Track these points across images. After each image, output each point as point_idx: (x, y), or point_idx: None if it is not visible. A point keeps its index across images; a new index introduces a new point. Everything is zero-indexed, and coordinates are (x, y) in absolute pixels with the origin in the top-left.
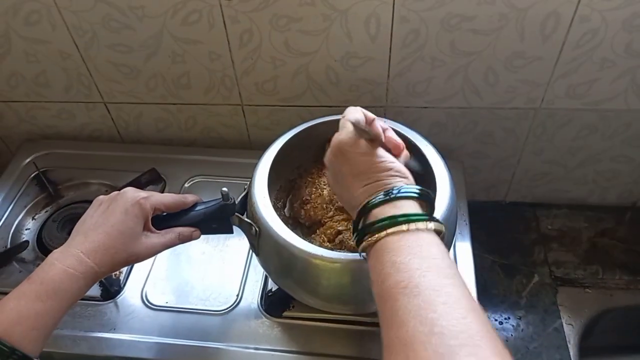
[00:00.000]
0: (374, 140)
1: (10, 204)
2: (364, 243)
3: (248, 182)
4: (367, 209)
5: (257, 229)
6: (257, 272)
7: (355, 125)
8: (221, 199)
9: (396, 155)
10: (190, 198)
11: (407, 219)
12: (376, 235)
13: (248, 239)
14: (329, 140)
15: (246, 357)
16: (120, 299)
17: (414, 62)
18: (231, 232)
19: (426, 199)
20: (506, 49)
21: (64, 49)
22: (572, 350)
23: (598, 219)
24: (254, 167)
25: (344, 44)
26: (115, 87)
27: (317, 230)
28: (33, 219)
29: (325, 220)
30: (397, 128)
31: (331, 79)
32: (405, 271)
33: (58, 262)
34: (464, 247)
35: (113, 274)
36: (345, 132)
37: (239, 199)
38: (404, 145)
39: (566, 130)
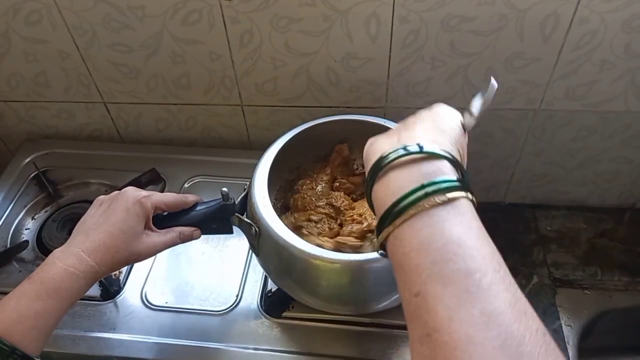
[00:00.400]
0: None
1: (10, 204)
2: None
3: (248, 183)
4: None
5: (257, 229)
6: (257, 273)
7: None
8: (221, 199)
9: None
10: (191, 198)
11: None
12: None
13: (248, 239)
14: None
15: (246, 358)
16: (119, 299)
17: (414, 63)
18: (231, 232)
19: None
20: (506, 50)
21: (64, 48)
22: (571, 351)
23: (597, 220)
24: (253, 167)
25: (344, 45)
26: (115, 87)
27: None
28: (33, 218)
29: (309, 208)
30: None
31: (331, 79)
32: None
33: (59, 261)
34: None
35: (113, 273)
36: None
37: (239, 199)
38: None
39: (565, 131)
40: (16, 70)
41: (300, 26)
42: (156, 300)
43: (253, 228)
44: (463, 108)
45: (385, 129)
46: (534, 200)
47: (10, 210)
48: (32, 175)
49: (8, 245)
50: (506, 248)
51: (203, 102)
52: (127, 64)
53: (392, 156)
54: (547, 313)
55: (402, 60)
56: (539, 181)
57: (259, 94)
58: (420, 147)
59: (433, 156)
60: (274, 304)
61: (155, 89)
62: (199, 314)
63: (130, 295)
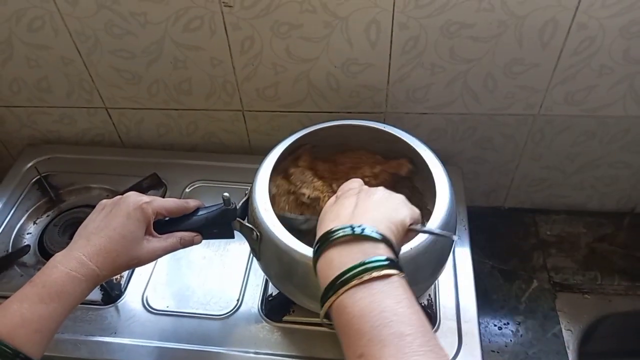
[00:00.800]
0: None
1: (12, 209)
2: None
3: (249, 187)
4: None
5: (258, 233)
6: (258, 277)
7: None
8: (222, 204)
9: None
10: (192, 203)
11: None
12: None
13: (249, 244)
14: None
15: None
16: (121, 303)
17: (414, 69)
18: (232, 237)
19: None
20: (505, 56)
21: (66, 54)
22: (571, 356)
23: (597, 224)
24: (254, 172)
25: (344, 51)
26: (117, 92)
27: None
28: (34, 223)
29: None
30: (396, 134)
31: (332, 85)
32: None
33: (61, 265)
34: (463, 253)
35: (114, 278)
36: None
37: (240, 204)
38: None
39: (565, 136)
40: (18, 76)
41: (300, 32)
42: (157, 304)
43: (254, 233)
44: (462, 114)
45: (385, 134)
46: (534, 205)
47: (12, 214)
48: (33, 180)
49: (10, 250)
50: (506, 253)
51: (204, 107)
52: (129, 70)
53: (340, 234)
54: (547, 317)
55: (402, 66)
56: (539, 186)
57: (259, 99)
58: (362, 229)
59: (372, 239)
60: (274, 308)
61: (157, 95)
62: (199, 318)
63: (131, 299)
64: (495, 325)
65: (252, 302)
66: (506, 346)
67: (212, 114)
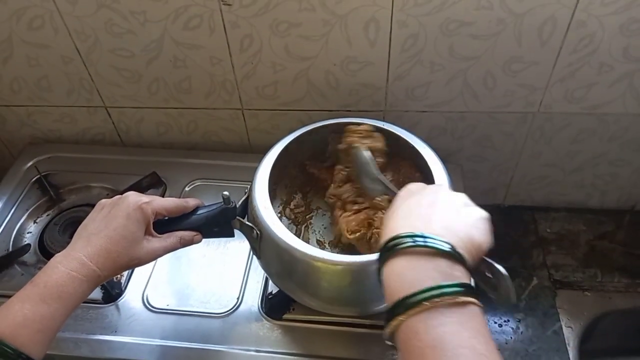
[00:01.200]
0: None
1: (12, 208)
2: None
3: (249, 186)
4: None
5: (258, 232)
6: (258, 275)
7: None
8: (222, 203)
9: None
10: (191, 202)
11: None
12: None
13: (249, 242)
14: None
15: None
16: (121, 301)
17: (413, 67)
18: (232, 235)
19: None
20: (504, 54)
21: (66, 53)
22: (572, 353)
23: (597, 222)
24: (254, 170)
25: (343, 49)
26: (116, 91)
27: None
28: (35, 222)
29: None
30: (396, 132)
31: (331, 83)
32: None
33: (61, 265)
34: None
35: (114, 277)
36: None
37: (239, 203)
38: None
39: (564, 134)
40: (19, 75)
41: (299, 31)
42: (157, 303)
43: (254, 231)
44: (461, 112)
45: (384, 132)
46: (534, 202)
47: (13, 213)
48: (34, 179)
49: (10, 249)
50: (506, 250)
51: (204, 106)
52: (128, 69)
53: (409, 242)
54: (547, 315)
55: (401, 64)
56: (538, 184)
57: (259, 97)
58: (442, 244)
59: (450, 256)
60: (274, 306)
61: (157, 93)
62: (200, 316)
63: (131, 298)
64: (495, 323)
65: (252, 300)
66: (506, 343)
67: (211, 113)
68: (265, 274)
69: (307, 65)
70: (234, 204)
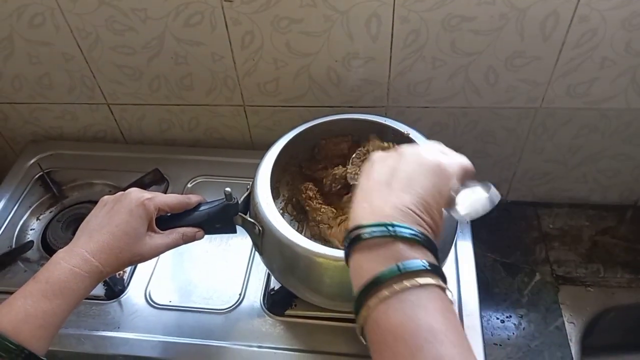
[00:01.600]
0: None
1: (15, 205)
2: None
3: (251, 182)
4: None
5: (260, 228)
6: (260, 271)
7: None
8: (224, 199)
9: None
10: (194, 198)
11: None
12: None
13: (251, 239)
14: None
15: (249, 356)
16: (124, 298)
17: (415, 62)
18: (234, 231)
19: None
20: (506, 49)
21: (68, 50)
22: (574, 349)
23: (599, 217)
24: (256, 167)
25: (345, 45)
26: (118, 88)
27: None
28: (37, 219)
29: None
30: (398, 128)
31: (332, 79)
32: None
33: (64, 261)
34: (465, 246)
35: (117, 273)
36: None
37: (242, 199)
38: None
39: (567, 129)
40: (20, 72)
41: (301, 27)
42: (160, 299)
43: (256, 227)
44: (463, 107)
45: (386, 128)
46: (536, 198)
47: (15, 210)
48: (36, 176)
49: (13, 246)
50: (508, 246)
51: (205, 102)
52: (130, 66)
53: (365, 236)
54: (549, 310)
55: (403, 60)
56: (541, 179)
57: (260, 94)
58: (395, 229)
59: (409, 240)
60: (277, 302)
61: (158, 90)
62: (202, 312)
63: (134, 294)
64: (497, 319)
65: (255, 296)
66: (509, 339)
67: (213, 109)
68: (268, 270)
69: (309, 61)
70: (236, 200)
